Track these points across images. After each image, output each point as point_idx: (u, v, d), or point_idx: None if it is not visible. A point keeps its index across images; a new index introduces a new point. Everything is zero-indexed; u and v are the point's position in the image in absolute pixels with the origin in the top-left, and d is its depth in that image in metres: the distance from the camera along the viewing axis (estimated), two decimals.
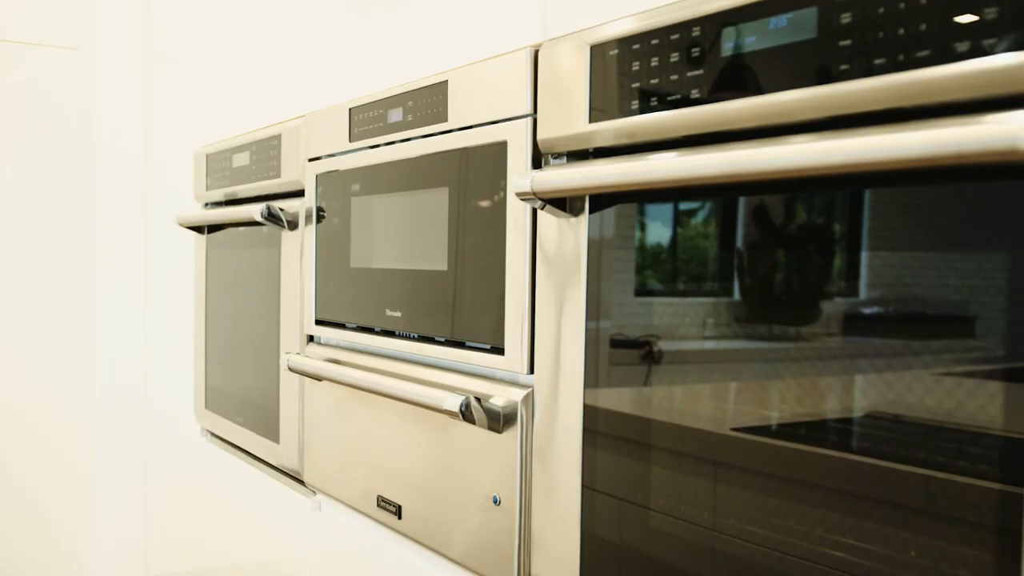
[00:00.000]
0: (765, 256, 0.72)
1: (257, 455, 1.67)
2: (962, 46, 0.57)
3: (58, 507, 2.93)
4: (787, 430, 0.69)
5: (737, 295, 0.74)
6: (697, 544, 0.77)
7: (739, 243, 0.74)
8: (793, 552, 0.68)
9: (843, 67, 0.64)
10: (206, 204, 1.93)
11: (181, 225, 1.84)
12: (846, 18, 0.64)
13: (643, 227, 0.83)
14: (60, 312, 2.92)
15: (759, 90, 0.70)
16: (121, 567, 2.66)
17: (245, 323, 1.70)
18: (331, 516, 1.42)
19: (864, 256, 0.65)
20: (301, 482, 1.52)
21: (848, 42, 0.64)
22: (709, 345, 0.76)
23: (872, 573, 0.63)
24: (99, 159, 2.90)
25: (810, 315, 0.68)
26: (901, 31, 0.60)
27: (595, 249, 0.87)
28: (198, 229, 1.88)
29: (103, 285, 2.89)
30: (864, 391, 0.64)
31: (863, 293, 0.65)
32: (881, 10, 0.62)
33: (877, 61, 0.62)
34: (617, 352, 0.85)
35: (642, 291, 0.82)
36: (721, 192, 0.75)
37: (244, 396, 1.70)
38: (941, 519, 0.59)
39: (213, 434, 1.95)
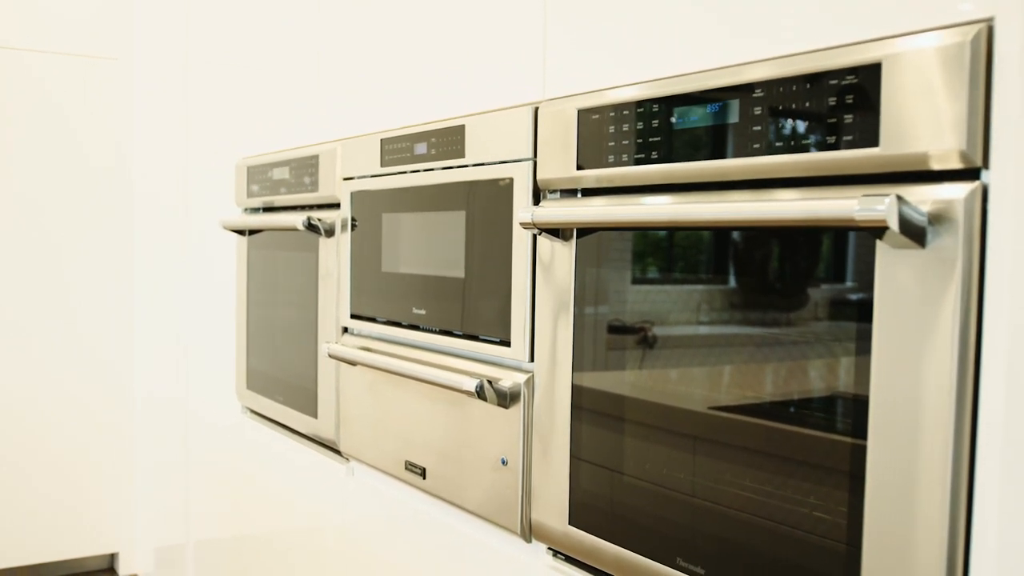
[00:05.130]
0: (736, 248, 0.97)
1: (295, 428, 1.93)
2: (831, 139, 0.82)
3: (103, 478, 3.18)
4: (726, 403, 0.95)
5: (713, 286, 0.99)
6: (658, 495, 1.03)
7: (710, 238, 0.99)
8: (736, 505, 0.94)
9: (755, 145, 0.89)
10: (246, 209, 2.19)
11: (226, 228, 2.10)
12: (758, 110, 0.89)
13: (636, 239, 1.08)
14: (101, 309, 3.15)
15: (703, 155, 0.95)
16: (164, 533, 2.90)
17: (284, 314, 1.96)
18: (363, 480, 1.68)
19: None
20: (337, 452, 1.79)
21: (759, 128, 0.89)
22: (692, 331, 1.02)
23: (779, 511, 0.89)
24: (137, 163, 3.13)
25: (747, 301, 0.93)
26: (795, 123, 0.86)
27: (581, 266, 1.12)
28: (239, 231, 2.14)
29: (142, 282, 3.11)
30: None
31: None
32: (780, 107, 0.87)
33: (778, 144, 0.87)
34: (613, 338, 1.10)
35: (639, 280, 1.08)
36: (670, 230, 1.00)
37: (284, 378, 1.97)
38: (808, 466, 0.84)
39: (253, 411, 2.21)
